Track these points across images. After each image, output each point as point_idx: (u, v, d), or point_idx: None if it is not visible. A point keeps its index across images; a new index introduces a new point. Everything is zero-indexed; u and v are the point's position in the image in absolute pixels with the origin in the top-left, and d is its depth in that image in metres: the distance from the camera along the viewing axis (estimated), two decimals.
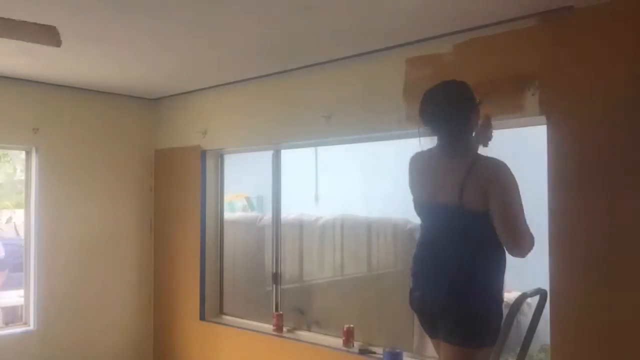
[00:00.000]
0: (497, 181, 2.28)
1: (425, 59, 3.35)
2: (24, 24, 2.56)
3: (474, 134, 2.55)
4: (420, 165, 2.57)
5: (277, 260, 4.45)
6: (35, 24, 2.58)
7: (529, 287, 2.60)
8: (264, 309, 4.50)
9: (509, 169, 2.31)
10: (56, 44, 2.73)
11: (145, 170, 5.21)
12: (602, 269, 2.68)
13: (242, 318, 4.67)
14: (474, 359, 2.35)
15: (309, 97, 4.01)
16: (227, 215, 5.03)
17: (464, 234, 2.35)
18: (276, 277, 4.45)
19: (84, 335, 4.75)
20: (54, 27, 2.59)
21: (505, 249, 2.34)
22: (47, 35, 2.64)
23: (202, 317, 4.77)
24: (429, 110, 2.44)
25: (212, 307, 4.82)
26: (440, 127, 2.44)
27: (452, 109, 2.40)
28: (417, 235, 2.67)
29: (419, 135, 2.50)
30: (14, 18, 2.55)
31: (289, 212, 4.59)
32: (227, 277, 4.89)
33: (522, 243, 2.29)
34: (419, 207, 2.56)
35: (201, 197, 4.81)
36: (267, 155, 4.50)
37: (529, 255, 2.36)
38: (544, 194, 2.86)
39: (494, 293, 2.39)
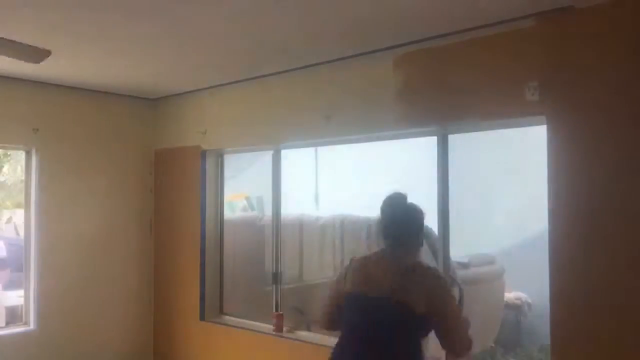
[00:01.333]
0: (441, 291, 2.30)
1: (420, 57, 3.35)
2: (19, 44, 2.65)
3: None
4: (362, 263, 2.47)
5: (277, 260, 4.45)
6: (29, 45, 2.67)
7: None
8: (264, 309, 4.50)
9: (445, 280, 2.41)
10: (36, 61, 2.85)
11: (145, 170, 5.21)
12: (602, 268, 2.67)
13: (242, 318, 4.67)
14: None
15: (309, 97, 4.01)
16: (227, 215, 5.03)
17: (395, 327, 2.28)
18: (276, 277, 4.45)
19: (84, 335, 4.74)
20: (48, 51, 2.68)
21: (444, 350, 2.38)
22: (34, 55, 2.74)
23: (202, 317, 4.77)
24: (393, 218, 2.43)
25: (212, 307, 4.82)
26: (401, 233, 2.42)
27: (416, 220, 2.45)
28: None
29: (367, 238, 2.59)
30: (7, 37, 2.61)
31: (289, 212, 4.59)
32: (227, 277, 4.89)
33: (464, 351, 2.34)
34: (352, 298, 2.42)
35: (201, 197, 4.81)
36: (267, 155, 4.50)
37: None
38: (544, 194, 2.86)
39: None
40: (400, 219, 2.43)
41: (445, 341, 2.31)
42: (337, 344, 2.47)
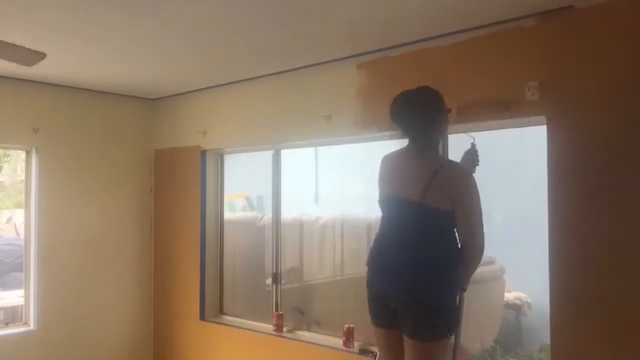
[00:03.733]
0: (462, 187, 2.46)
1: (420, 57, 3.35)
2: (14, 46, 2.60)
3: (465, 158, 2.73)
4: (390, 164, 2.69)
5: (277, 260, 4.45)
6: (25, 48, 2.62)
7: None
8: (264, 309, 4.50)
9: (472, 177, 2.51)
10: (29, 64, 2.80)
11: (145, 170, 5.21)
12: (602, 268, 2.68)
13: (242, 318, 4.67)
14: (440, 350, 2.47)
15: (309, 97, 4.01)
16: (227, 215, 5.03)
17: (425, 228, 2.48)
18: (276, 277, 4.45)
19: (84, 335, 4.75)
20: (43, 53, 2.64)
21: (460, 246, 2.50)
22: (30, 58, 2.70)
23: (202, 317, 4.77)
24: (400, 113, 2.57)
25: (212, 307, 4.82)
26: (409, 129, 2.57)
27: (422, 113, 2.54)
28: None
29: (391, 138, 2.66)
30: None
31: (289, 212, 4.59)
32: (227, 277, 4.89)
33: (478, 244, 2.48)
34: (385, 202, 2.65)
35: (201, 197, 4.81)
36: (267, 155, 4.50)
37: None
38: (544, 194, 2.86)
39: (455, 287, 2.52)
40: (409, 119, 2.54)
41: (464, 231, 2.46)
42: (374, 241, 2.66)
